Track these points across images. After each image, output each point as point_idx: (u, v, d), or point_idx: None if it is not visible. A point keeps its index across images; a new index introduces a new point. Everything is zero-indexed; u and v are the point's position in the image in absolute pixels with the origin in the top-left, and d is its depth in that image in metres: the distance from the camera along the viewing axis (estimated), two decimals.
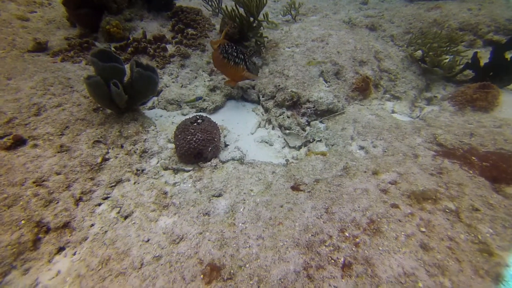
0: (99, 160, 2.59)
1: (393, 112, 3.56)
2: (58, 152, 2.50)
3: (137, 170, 2.64)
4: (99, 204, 2.28)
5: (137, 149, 2.82)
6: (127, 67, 2.88)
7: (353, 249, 1.63)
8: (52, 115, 2.74)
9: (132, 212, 2.18)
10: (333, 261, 1.59)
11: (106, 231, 2.05)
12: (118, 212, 2.20)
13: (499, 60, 3.51)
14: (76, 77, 3.27)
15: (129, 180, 2.51)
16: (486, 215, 1.82)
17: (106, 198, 2.33)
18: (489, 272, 1.51)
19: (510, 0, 3.37)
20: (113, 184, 2.44)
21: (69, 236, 2.04)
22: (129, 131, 2.89)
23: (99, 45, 3.88)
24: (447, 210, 1.88)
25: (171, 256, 1.75)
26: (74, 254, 1.93)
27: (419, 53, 4.19)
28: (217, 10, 4.61)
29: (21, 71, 3.07)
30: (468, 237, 1.69)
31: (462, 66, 3.85)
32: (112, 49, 3.72)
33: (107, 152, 2.67)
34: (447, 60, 3.88)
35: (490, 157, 2.38)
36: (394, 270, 1.52)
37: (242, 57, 2.97)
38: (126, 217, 2.15)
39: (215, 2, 4.56)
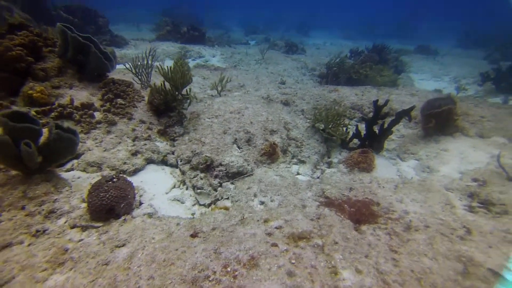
0: None
1: (298, 174, 4.38)
2: None
3: (37, 231, 2.70)
4: None
5: (42, 209, 2.93)
6: (46, 130, 3.18)
7: (231, 280, 2.03)
8: None
9: (13, 278, 2.12)
10: None
11: None
12: None
13: (370, 132, 4.79)
14: None
15: (22, 243, 2.50)
16: (341, 246, 2.44)
17: None
18: (331, 286, 2.03)
19: (380, 91, 4.87)
20: None
21: None
22: (36, 192, 3.03)
23: (15, 108, 4.05)
24: (315, 245, 2.45)
25: None
26: None
27: (321, 124, 5.38)
28: (146, 84, 5.38)
29: None
30: (326, 264, 2.24)
31: (351, 136, 5.06)
32: (33, 113, 3.99)
33: None
34: (339, 132, 5.08)
35: (356, 204, 3.17)
36: None
37: None
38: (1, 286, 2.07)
39: (144, 76, 5.35)
